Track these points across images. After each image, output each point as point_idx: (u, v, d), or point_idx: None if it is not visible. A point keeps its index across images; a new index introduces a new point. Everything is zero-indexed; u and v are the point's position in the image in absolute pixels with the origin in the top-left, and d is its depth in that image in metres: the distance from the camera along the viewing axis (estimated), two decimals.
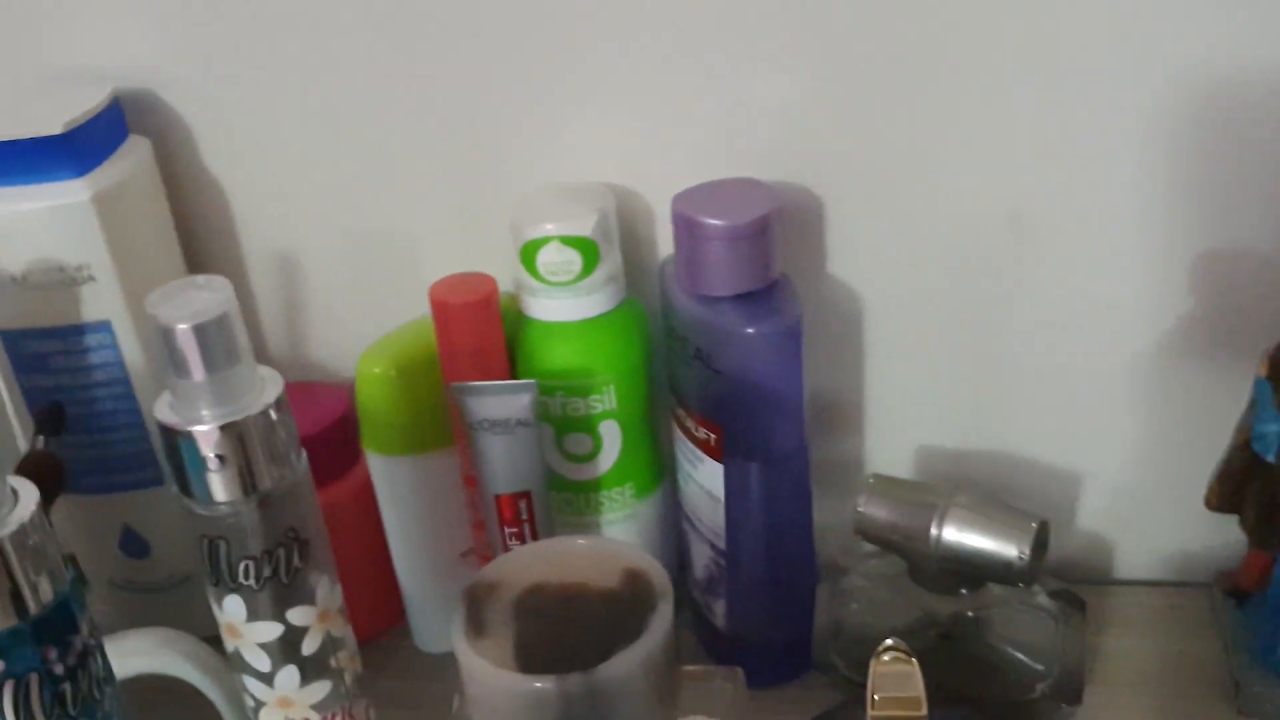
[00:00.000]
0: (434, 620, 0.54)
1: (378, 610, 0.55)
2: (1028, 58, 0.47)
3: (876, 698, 0.37)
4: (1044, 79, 0.47)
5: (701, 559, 0.53)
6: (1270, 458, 0.47)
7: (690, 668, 0.42)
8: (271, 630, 0.38)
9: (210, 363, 0.35)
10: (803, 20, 0.48)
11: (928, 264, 0.52)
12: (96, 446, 0.50)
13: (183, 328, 0.35)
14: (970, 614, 0.49)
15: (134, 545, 0.53)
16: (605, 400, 0.50)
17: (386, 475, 0.51)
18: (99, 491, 0.51)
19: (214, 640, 0.42)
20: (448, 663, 0.54)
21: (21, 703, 0.33)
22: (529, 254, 0.48)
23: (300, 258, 0.56)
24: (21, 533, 0.33)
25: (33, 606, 0.33)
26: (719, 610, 0.53)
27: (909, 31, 0.47)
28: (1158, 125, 0.47)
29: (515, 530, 0.48)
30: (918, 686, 0.37)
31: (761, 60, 0.49)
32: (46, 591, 0.33)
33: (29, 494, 0.33)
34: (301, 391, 0.55)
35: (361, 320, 0.53)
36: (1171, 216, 0.49)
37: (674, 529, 0.55)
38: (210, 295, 0.35)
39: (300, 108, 0.53)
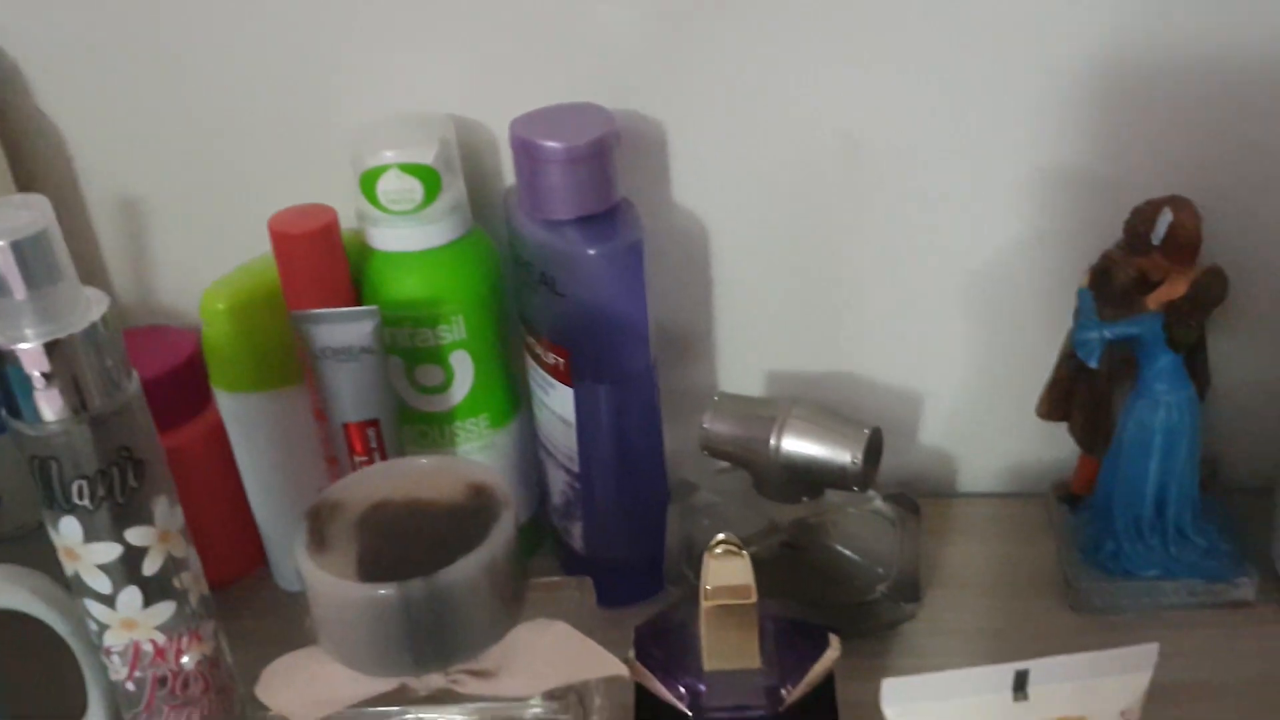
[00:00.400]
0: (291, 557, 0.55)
1: (239, 552, 0.56)
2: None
3: (709, 587, 0.39)
4: (874, 5, 0.50)
5: (558, 485, 0.54)
6: (1093, 364, 0.51)
7: (542, 579, 0.44)
8: (110, 551, 0.39)
9: (31, 280, 0.35)
10: None
11: (769, 189, 0.54)
12: None
13: (0, 245, 0.35)
14: (811, 520, 0.51)
15: None
16: (455, 330, 0.51)
17: (237, 413, 0.52)
18: None
19: None
20: (302, 598, 0.55)
21: None
22: (369, 183, 0.49)
23: (142, 201, 0.56)
24: None
25: None
26: (576, 533, 0.55)
27: None
28: (981, 52, 0.50)
29: (365, 460, 0.49)
30: (747, 575, 0.39)
31: None
32: None
33: None
34: (151, 335, 0.56)
35: (207, 261, 0.54)
36: (997, 140, 0.52)
37: (533, 459, 0.56)
38: (28, 214, 0.36)
39: (133, 49, 0.53)
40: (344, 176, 0.50)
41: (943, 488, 0.61)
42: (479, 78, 0.53)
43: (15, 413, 0.38)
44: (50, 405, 0.37)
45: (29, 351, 0.36)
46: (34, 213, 0.36)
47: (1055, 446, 0.57)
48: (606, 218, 0.49)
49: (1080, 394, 0.55)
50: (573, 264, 0.48)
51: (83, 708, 0.45)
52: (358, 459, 0.49)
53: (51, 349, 0.36)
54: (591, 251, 0.48)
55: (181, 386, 0.53)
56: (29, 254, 0.35)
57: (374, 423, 0.49)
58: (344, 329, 0.47)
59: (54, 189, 0.55)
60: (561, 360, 0.50)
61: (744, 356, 0.58)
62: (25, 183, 0.55)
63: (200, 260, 0.55)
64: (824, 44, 0.51)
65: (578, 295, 0.49)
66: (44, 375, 0.36)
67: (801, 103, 0.52)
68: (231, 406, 0.51)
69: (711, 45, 0.51)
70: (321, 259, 0.48)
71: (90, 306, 0.37)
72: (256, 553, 0.56)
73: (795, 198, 0.54)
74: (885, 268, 0.55)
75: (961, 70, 0.51)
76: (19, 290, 0.36)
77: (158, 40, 0.53)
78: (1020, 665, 0.35)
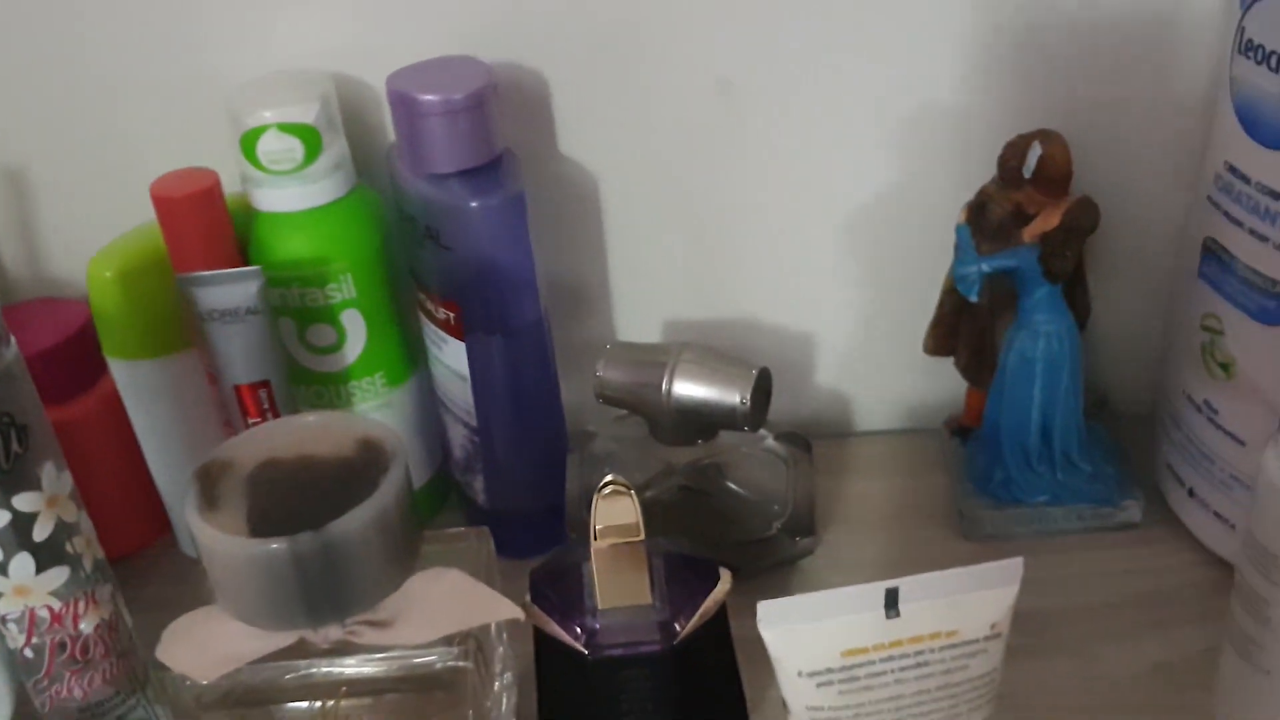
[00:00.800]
0: None
1: (142, 521, 0.57)
2: None
3: (599, 527, 0.40)
4: None
5: (458, 440, 0.56)
6: (973, 298, 0.53)
7: (442, 531, 0.45)
8: None
9: None
10: None
11: (651, 137, 0.55)
12: None
13: None
14: (706, 462, 0.53)
15: None
16: (344, 289, 0.52)
17: (131, 381, 0.52)
18: None
19: None
20: (199, 563, 0.56)
21: None
22: (249, 143, 0.49)
23: (25, 171, 0.56)
24: None
25: None
26: (479, 487, 0.56)
27: None
28: (853, 3, 0.52)
29: (259, 421, 0.50)
30: (635, 514, 0.40)
31: None
32: None
33: None
34: (42, 307, 0.56)
35: (94, 229, 0.54)
36: (872, 79, 0.54)
37: (433, 416, 0.57)
38: None
39: (7, 12, 0.53)
40: (227, 138, 0.51)
41: (839, 427, 0.63)
42: (359, 34, 0.53)
43: None
44: None
45: None
46: None
47: (944, 381, 0.59)
48: (488, 170, 0.50)
49: (964, 329, 0.57)
50: (456, 217, 0.49)
51: None
52: (251, 421, 0.50)
53: None
54: (474, 204, 0.49)
55: (74, 358, 0.53)
56: None
57: (265, 384, 0.49)
58: (229, 290, 0.48)
59: None
60: (452, 315, 0.51)
61: (639, 306, 0.60)
62: None
63: (86, 229, 0.55)
64: None
65: (463, 249, 0.50)
66: None
67: (676, 48, 0.53)
68: (125, 375, 0.52)
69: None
70: (205, 222, 0.49)
71: None
72: (160, 521, 0.57)
73: (677, 145, 0.56)
74: (769, 212, 0.57)
75: (834, 10, 0.52)
76: None
77: (35, 7, 0.53)
78: (891, 583, 0.37)
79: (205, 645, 0.42)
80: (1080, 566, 0.53)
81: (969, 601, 0.38)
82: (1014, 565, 0.38)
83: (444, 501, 0.59)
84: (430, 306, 0.52)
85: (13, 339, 0.40)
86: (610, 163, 0.56)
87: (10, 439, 0.39)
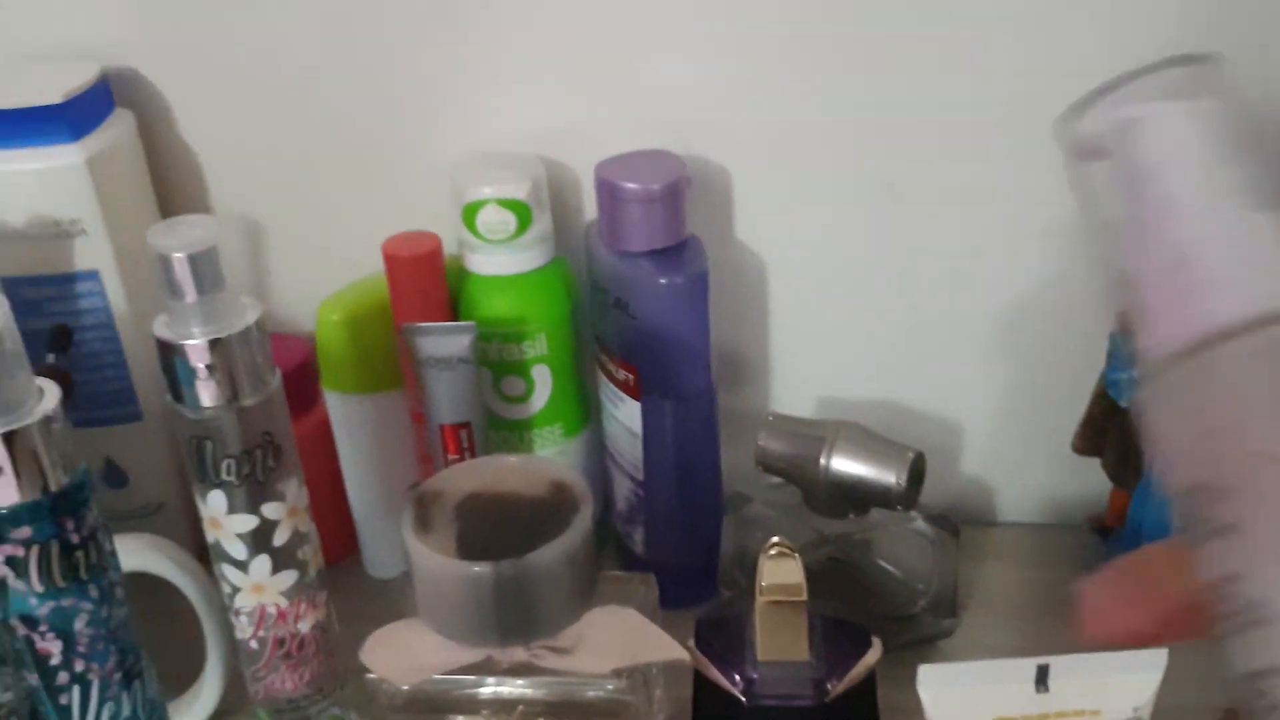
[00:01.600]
0: (384, 548, 0.63)
1: (333, 539, 0.64)
2: (901, 45, 0.57)
3: (764, 584, 0.45)
4: (921, 67, 0.57)
5: (623, 492, 0.62)
6: (1123, 403, 0.57)
7: (610, 573, 0.51)
8: (248, 522, 0.47)
9: (200, 287, 0.44)
10: (711, 8, 0.58)
11: (821, 228, 0.62)
12: (84, 384, 0.59)
13: (179, 256, 0.44)
14: (856, 536, 0.59)
15: (115, 476, 0.62)
16: (537, 346, 0.59)
17: (343, 412, 0.60)
18: (85, 426, 0.60)
19: None
20: (397, 586, 0.63)
21: (43, 564, 0.42)
22: (470, 214, 0.57)
23: (263, 219, 0.65)
24: (45, 421, 0.41)
25: (53, 483, 0.42)
26: (638, 538, 0.62)
27: (806, 19, 0.57)
28: (1019, 101, 0.57)
29: (457, 458, 0.57)
30: (799, 575, 0.45)
31: (673, 44, 0.59)
32: (63, 474, 0.42)
33: (52, 391, 0.42)
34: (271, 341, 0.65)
35: (318, 277, 0.62)
36: (1034, 183, 0.59)
37: (600, 467, 0.64)
38: (201, 231, 0.45)
39: (262, 83, 0.62)
40: (444, 204, 0.59)
41: (982, 515, 0.68)
42: (566, 123, 0.61)
43: (178, 398, 0.46)
44: (208, 393, 0.45)
45: (195, 347, 0.45)
46: (205, 230, 0.45)
47: (1089, 480, 0.63)
48: (676, 251, 0.57)
49: (1112, 431, 0.61)
50: (645, 291, 0.56)
51: (188, 670, 0.54)
52: (451, 458, 0.57)
53: (214, 346, 0.45)
54: (662, 281, 0.56)
55: (295, 387, 0.61)
56: (200, 265, 0.44)
57: (466, 425, 0.57)
58: (446, 341, 0.55)
59: (189, 209, 0.65)
60: (631, 376, 0.58)
61: (795, 381, 0.66)
62: (165, 203, 0.64)
63: (312, 277, 0.64)
64: (865, 94, 0.58)
65: (648, 319, 0.57)
66: (206, 368, 0.45)
67: (848, 151, 0.60)
68: (339, 406, 0.60)
69: (769, 99, 0.59)
70: (426, 280, 0.57)
71: (246, 312, 0.46)
72: (350, 541, 0.64)
73: (841, 236, 0.62)
74: (926, 301, 0.63)
75: (999, 115, 0.58)
76: (190, 294, 0.44)
77: (284, 75, 0.62)
78: (1042, 660, 0.41)
79: (405, 653, 0.48)
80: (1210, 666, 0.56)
81: (1115, 684, 0.41)
82: (1159, 655, 0.41)
83: (603, 548, 0.66)
84: (611, 367, 0.59)
85: (278, 370, 0.48)
86: (779, 248, 0.63)
87: (267, 455, 0.47)
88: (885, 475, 0.56)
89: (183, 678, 0.54)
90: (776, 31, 0.58)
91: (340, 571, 0.65)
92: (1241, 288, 0.25)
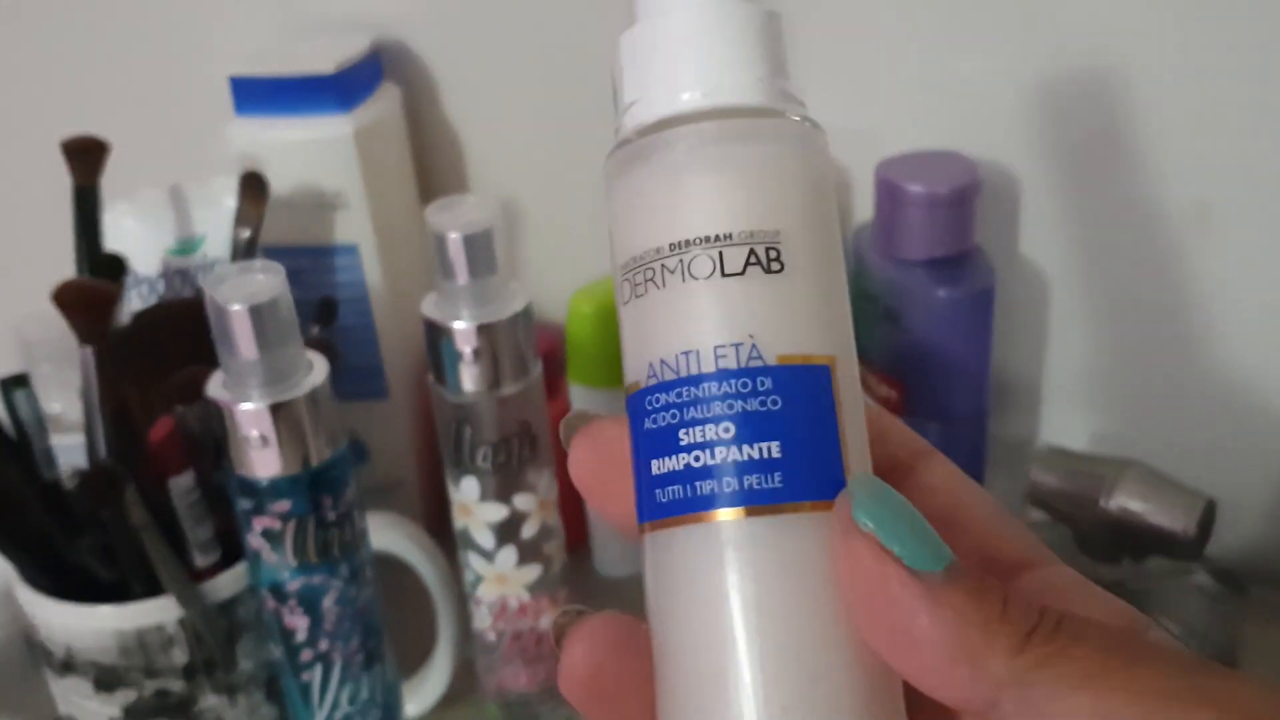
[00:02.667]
0: (614, 545, 0.62)
1: (567, 532, 0.63)
2: (1221, 55, 0.52)
3: None
4: (1237, 73, 0.52)
5: None
6: None
7: None
8: (498, 511, 0.46)
9: (473, 269, 0.43)
10: (1010, 3, 0.54)
11: (1115, 247, 0.57)
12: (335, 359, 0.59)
13: (454, 236, 0.43)
14: (1131, 585, 0.54)
15: (356, 452, 0.62)
16: None
17: (587, 404, 0.59)
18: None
19: None
20: (626, 584, 0.62)
21: (299, 539, 0.42)
22: None
23: (520, 203, 0.64)
24: (312, 395, 0.41)
25: (315, 459, 0.42)
26: None
27: (1105, 20, 0.53)
28: None
29: None
30: None
31: (964, 39, 0.55)
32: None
33: (321, 365, 0.42)
34: None
35: (570, 266, 0.61)
36: None
37: None
38: (478, 212, 0.44)
39: (530, 64, 0.61)
40: None
41: (1273, 573, 0.62)
42: (845, 121, 0.58)
43: (441, 379, 0.45)
44: (471, 378, 0.44)
45: (463, 330, 0.44)
46: (484, 212, 0.43)
47: None
48: (958, 261, 0.53)
49: None
50: (920, 303, 0.53)
51: (415, 653, 0.53)
52: None
53: (481, 330, 0.44)
54: (941, 293, 0.52)
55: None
56: (475, 247, 0.43)
57: None
58: None
59: (447, 188, 0.65)
60: (894, 394, 0.55)
61: (1070, 412, 0.61)
62: (424, 180, 0.64)
63: (565, 265, 0.62)
64: (1182, 109, 0.53)
65: (922, 334, 0.53)
66: (472, 352, 0.44)
67: (1151, 167, 0.55)
68: (583, 399, 0.59)
69: (1073, 107, 0.55)
70: None
71: (515, 298, 0.45)
72: (581, 536, 0.63)
73: (1139, 259, 0.57)
74: (1228, 341, 0.57)
75: None
76: (462, 276, 0.43)
77: (554, 57, 0.61)
78: None
79: None
80: None
81: None
82: None
83: None
84: (870, 381, 0.56)
85: (539, 360, 0.46)
86: (1068, 268, 0.58)
87: (524, 445, 0.46)
88: (1173, 522, 0.51)
89: (411, 659, 0.54)
90: (1084, 27, 0.54)
91: (571, 565, 0.63)
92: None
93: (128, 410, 0.47)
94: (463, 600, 0.50)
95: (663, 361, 0.23)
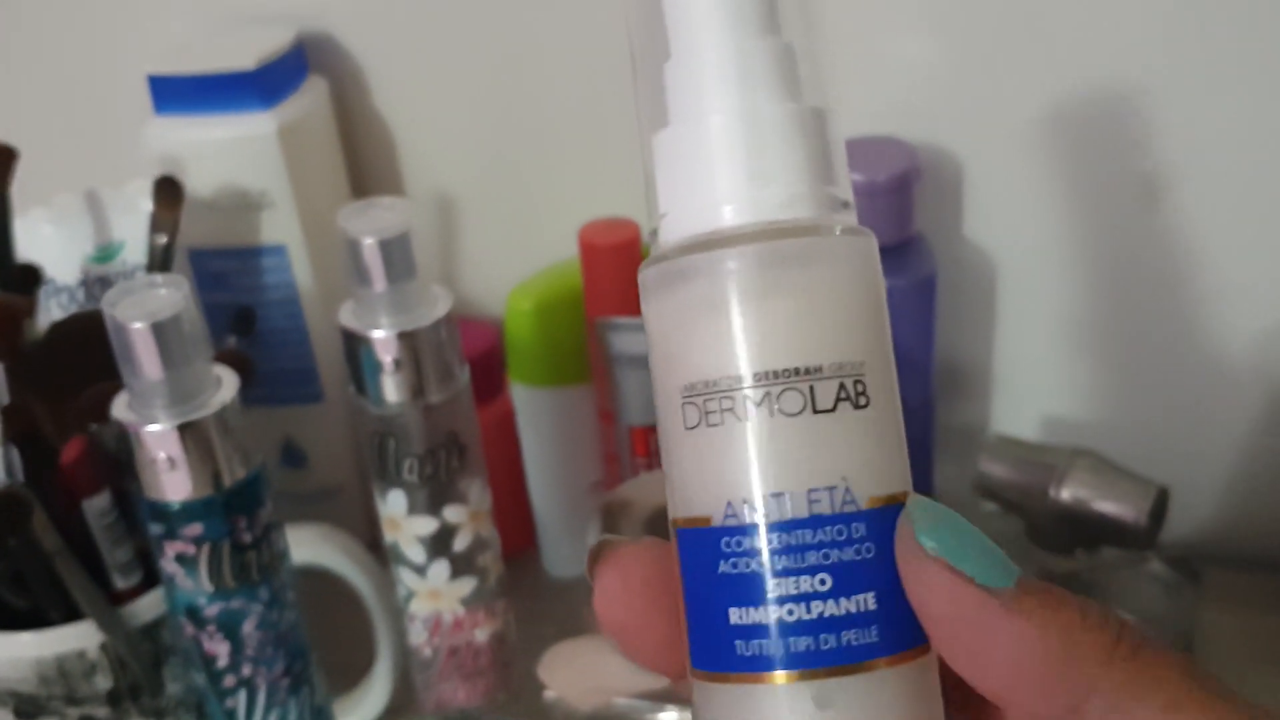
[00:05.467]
0: (563, 545, 0.59)
1: (509, 534, 0.61)
2: (1166, 29, 0.50)
3: None
4: (1183, 50, 0.50)
5: None
6: None
7: None
8: (427, 525, 0.44)
9: (391, 275, 0.41)
10: None
11: (1061, 230, 0.55)
12: (266, 362, 0.57)
13: (369, 241, 0.40)
14: (1084, 576, 0.52)
15: (293, 456, 0.60)
16: None
17: (529, 404, 0.57)
18: (265, 404, 0.58)
19: None
20: (575, 585, 0.60)
21: (214, 563, 0.40)
22: None
23: (456, 197, 0.62)
24: (222, 413, 0.39)
25: (227, 480, 0.39)
26: None
27: None
28: None
29: (645, 461, 0.53)
30: None
31: (903, 21, 0.53)
32: (239, 468, 0.40)
33: (231, 381, 0.40)
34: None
35: (509, 260, 0.59)
36: None
37: None
38: (394, 215, 0.41)
39: (463, 53, 0.59)
40: (644, 193, 0.54)
41: (1228, 556, 0.60)
42: None
43: (362, 390, 0.43)
44: (394, 388, 0.42)
45: (382, 339, 0.41)
46: (399, 215, 0.41)
47: None
48: (900, 250, 0.51)
49: None
50: None
51: (354, 666, 0.51)
52: (638, 460, 0.53)
53: (402, 338, 0.41)
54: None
55: (477, 376, 0.58)
56: (392, 251, 0.41)
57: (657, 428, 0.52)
58: (642, 338, 0.51)
59: (380, 184, 0.62)
60: None
61: (1020, 397, 0.59)
62: (356, 176, 0.61)
63: (503, 260, 0.60)
64: (1124, 78, 0.51)
65: None
66: (394, 361, 0.41)
67: (1101, 145, 0.53)
68: (525, 398, 0.56)
69: (1014, 88, 0.53)
70: (623, 270, 0.52)
71: (437, 303, 0.42)
72: (528, 535, 0.61)
73: (1091, 240, 0.55)
74: (1178, 323, 0.56)
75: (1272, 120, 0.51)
76: (379, 283, 0.41)
77: (487, 47, 0.58)
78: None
79: (585, 673, 0.45)
80: None
81: None
82: None
83: None
84: None
85: (466, 366, 0.44)
86: (1013, 252, 0.56)
87: (451, 455, 0.44)
88: (1125, 511, 0.50)
89: (348, 674, 0.52)
90: (1025, 5, 0.51)
91: (517, 567, 0.61)
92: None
93: (39, 429, 0.45)
94: (400, 614, 0.48)
95: (745, 501, 0.21)
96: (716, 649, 0.21)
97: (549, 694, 0.46)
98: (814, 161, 0.22)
